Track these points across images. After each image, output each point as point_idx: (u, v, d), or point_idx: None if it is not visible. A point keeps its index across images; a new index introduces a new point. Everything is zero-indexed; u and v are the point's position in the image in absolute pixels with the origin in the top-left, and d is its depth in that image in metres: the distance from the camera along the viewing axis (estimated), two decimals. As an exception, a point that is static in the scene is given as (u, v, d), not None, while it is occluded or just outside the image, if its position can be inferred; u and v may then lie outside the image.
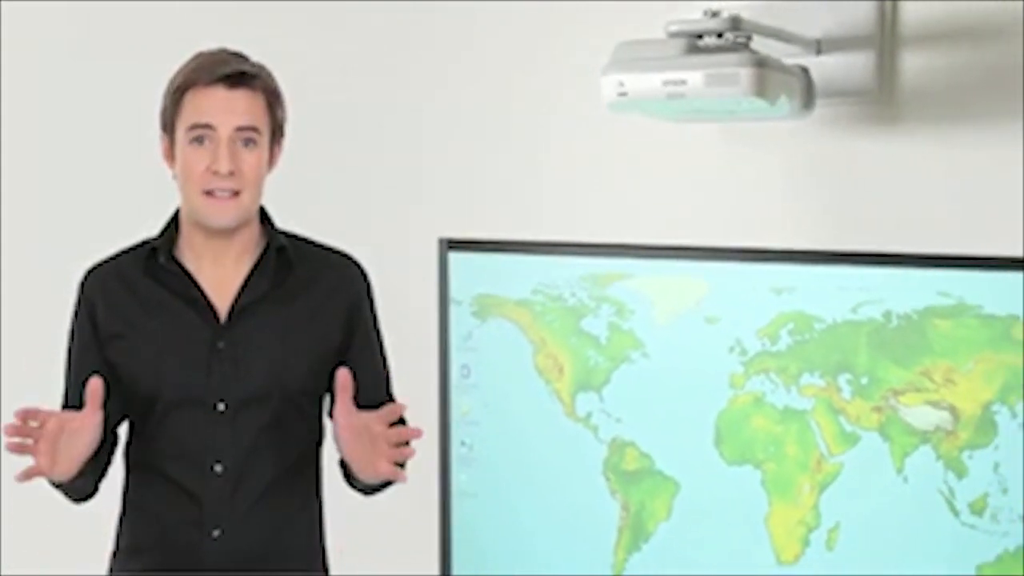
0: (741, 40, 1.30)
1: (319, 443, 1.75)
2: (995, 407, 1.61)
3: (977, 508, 1.63)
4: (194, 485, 1.66)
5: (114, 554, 1.76)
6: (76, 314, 1.72)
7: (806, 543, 1.76)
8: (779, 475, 1.77)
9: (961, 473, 1.64)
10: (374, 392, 1.73)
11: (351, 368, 1.66)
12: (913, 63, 1.65)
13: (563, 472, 1.98)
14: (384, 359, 1.78)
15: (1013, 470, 1.60)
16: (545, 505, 1.99)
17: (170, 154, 1.67)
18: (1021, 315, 1.58)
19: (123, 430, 1.74)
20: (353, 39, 2.20)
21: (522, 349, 2.01)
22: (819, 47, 1.62)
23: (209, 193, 1.61)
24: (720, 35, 1.29)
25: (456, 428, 2.08)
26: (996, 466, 1.61)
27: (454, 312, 2.07)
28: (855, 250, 1.70)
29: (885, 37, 1.65)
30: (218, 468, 1.65)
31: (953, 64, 1.63)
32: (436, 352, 2.06)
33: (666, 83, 1.26)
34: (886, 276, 1.67)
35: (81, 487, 1.67)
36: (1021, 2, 1.57)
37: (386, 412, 1.58)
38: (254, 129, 1.62)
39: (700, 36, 1.30)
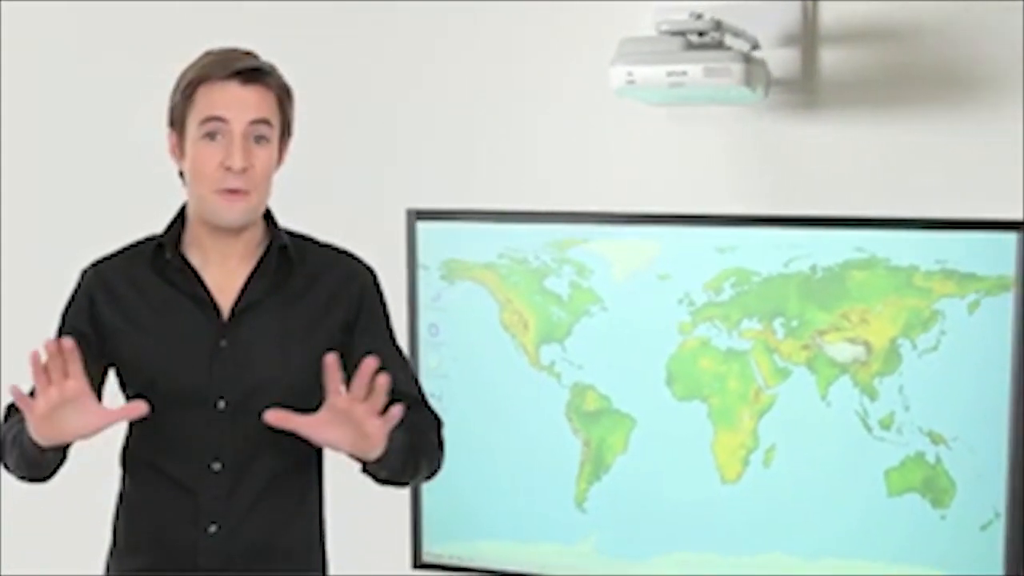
0: (718, 38, 1.64)
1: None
2: (900, 341, 2.03)
3: (885, 424, 2.05)
4: (192, 482, 1.67)
5: (111, 551, 1.76)
6: (70, 304, 1.72)
7: (746, 463, 2.14)
8: (723, 407, 2.14)
9: (873, 396, 2.05)
10: (403, 386, 1.70)
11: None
12: (830, 58, 2.04)
13: (528, 415, 2.28)
14: (401, 353, 1.77)
15: (914, 391, 2.03)
16: (512, 446, 2.29)
17: (178, 150, 1.66)
18: (920, 265, 2.00)
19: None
20: (335, 23, 2.36)
21: (489, 308, 2.30)
22: (755, 44, 1.98)
23: (220, 192, 1.61)
24: (701, 33, 1.63)
25: (426, 381, 2.33)
26: (900, 389, 2.03)
27: (422, 276, 2.33)
28: (785, 214, 2.08)
29: (807, 37, 2.03)
30: (216, 466, 1.66)
31: (862, 59, 2.03)
32: (405, 313, 2.32)
33: (670, 74, 1.59)
34: (811, 235, 2.07)
35: (49, 462, 1.61)
36: (918, 3, 1.98)
37: (332, 384, 1.54)
38: (267, 122, 1.61)
39: (684, 33, 1.63)
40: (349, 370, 1.68)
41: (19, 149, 2.58)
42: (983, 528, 2.01)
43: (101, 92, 2.47)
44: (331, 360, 1.53)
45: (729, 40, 1.73)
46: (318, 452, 1.75)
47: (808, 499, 2.10)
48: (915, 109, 2.00)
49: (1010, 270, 1.95)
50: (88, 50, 2.49)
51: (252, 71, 1.61)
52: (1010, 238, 1.95)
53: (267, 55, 1.66)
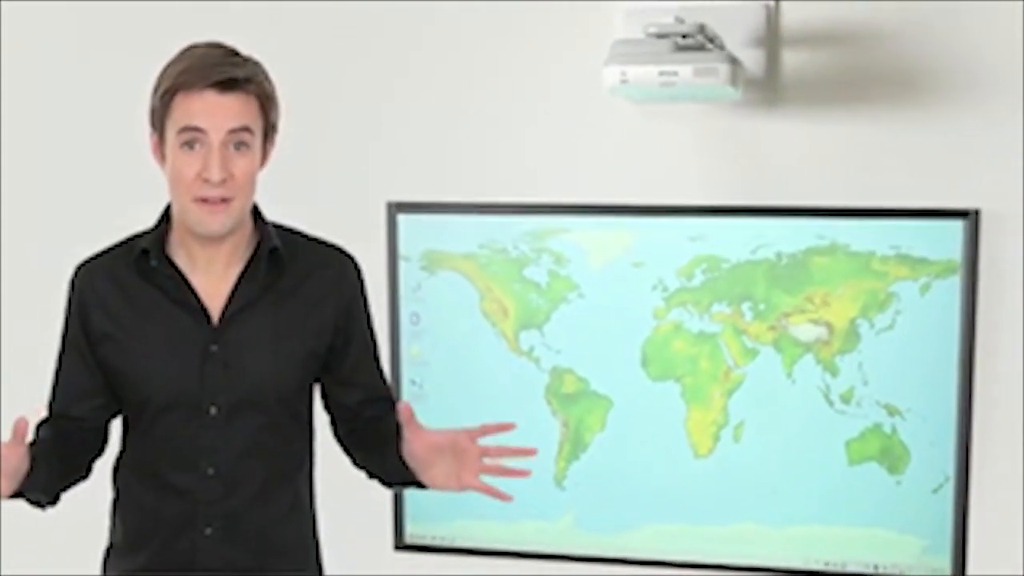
0: (701, 40, 1.82)
1: (311, 441, 1.79)
2: (859, 321, 2.23)
3: (846, 398, 2.25)
4: (186, 486, 1.68)
5: (108, 551, 1.79)
6: (68, 310, 1.73)
7: (717, 438, 2.32)
8: (695, 386, 2.32)
9: (834, 373, 2.25)
10: (374, 386, 1.79)
11: (354, 366, 1.75)
12: (792, 59, 2.23)
13: (509, 399, 2.41)
14: (376, 349, 1.82)
15: (872, 367, 2.23)
16: (492, 429, 2.43)
17: (159, 151, 1.65)
18: (877, 251, 2.20)
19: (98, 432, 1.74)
20: (317, 18, 2.45)
21: (469, 296, 2.43)
22: (722, 45, 2.15)
23: (200, 200, 1.60)
24: (684, 36, 1.80)
25: (407, 369, 2.47)
26: (860, 365, 2.24)
27: (403, 267, 2.45)
28: (752, 205, 2.27)
29: (771, 39, 2.21)
30: (210, 471, 1.68)
31: (822, 60, 2.22)
32: (386, 303, 2.43)
33: (662, 74, 1.76)
34: (776, 224, 2.25)
35: (33, 500, 1.67)
36: (873, 8, 2.18)
37: (479, 430, 1.64)
38: (246, 130, 1.60)
39: (667, 35, 1.80)
40: (333, 365, 1.75)
41: (19, 149, 2.60)
42: (935, 491, 2.22)
43: (101, 92, 2.51)
44: (406, 410, 1.63)
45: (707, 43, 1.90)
46: (310, 453, 1.79)
47: (775, 470, 2.28)
48: (871, 107, 2.20)
49: (957, 255, 2.17)
50: (88, 50, 2.52)
51: (230, 81, 1.58)
52: (956, 225, 2.17)
53: (250, 51, 1.67)
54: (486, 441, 1.66)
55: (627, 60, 1.79)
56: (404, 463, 1.68)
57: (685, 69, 1.76)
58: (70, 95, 2.56)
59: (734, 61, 1.81)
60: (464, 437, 1.64)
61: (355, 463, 1.82)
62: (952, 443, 2.20)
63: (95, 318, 1.69)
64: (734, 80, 1.80)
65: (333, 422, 1.83)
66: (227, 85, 1.58)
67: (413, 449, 1.65)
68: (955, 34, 2.15)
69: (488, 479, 1.67)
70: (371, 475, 1.80)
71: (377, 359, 1.83)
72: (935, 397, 2.20)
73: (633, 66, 1.78)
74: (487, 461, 1.64)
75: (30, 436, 1.63)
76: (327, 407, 1.82)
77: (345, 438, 1.82)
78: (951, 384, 2.19)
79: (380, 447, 1.72)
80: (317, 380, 1.79)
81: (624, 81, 1.78)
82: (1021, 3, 2.13)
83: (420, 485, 1.70)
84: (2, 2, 2.56)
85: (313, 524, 1.82)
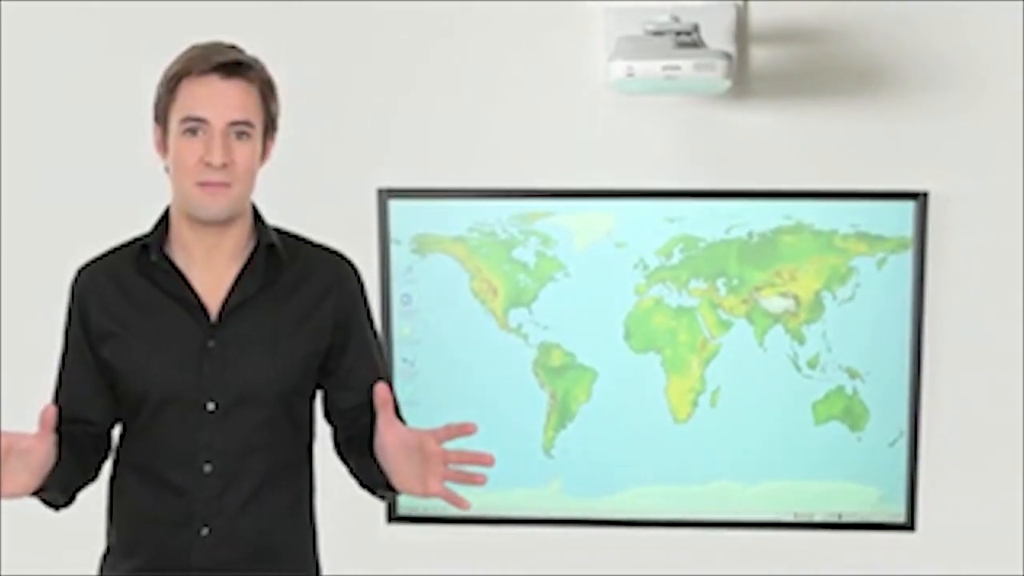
0: (696, 37, 2.07)
1: (310, 442, 1.82)
2: (823, 293, 2.52)
3: (812, 364, 2.54)
4: (183, 484, 1.71)
5: (104, 555, 1.82)
6: (69, 314, 1.77)
7: (695, 404, 2.58)
8: (674, 357, 2.57)
9: (801, 341, 2.53)
10: (372, 390, 1.74)
11: (351, 368, 1.77)
12: (759, 55, 2.50)
13: (498, 374, 2.61)
14: (382, 355, 1.84)
15: (835, 335, 2.52)
16: (483, 402, 2.61)
17: (162, 145, 1.70)
18: (839, 229, 2.50)
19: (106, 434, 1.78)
20: (309, 8, 2.57)
21: (459, 277, 2.62)
22: (699, 41, 2.41)
23: (201, 184, 1.66)
24: (678, 33, 2.05)
25: (398, 348, 2.65)
26: (824, 334, 2.52)
27: (395, 250, 2.63)
28: (725, 188, 2.53)
29: (741, 36, 2.48)
30: (207, 468, 1.70)
31: (787, 56, 2.50)
32: (378, 285, 2.61)
33: (665, 68, 2.00)
34: (747, 206, 2.52)
35: (50, 500, 1.70)
36: (833, 9, 2.47)
37: (443, 431, 1.62)
38: (247, 123, 1.66)
39: (661, 33, 2.04)
40: (330, 367, 1.78)
41: (19, 149, 2.64)
42: (891, 445, 2.53)
43: (101, 93, 2.57)
44: (383, 391, 1.63)
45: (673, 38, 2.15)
46: (309, 453, 1.82)
47: (749, 432, 2.55)
48: (832, 98, 2.49)
49: (908, 232, 2.47)
50: (88, 51, 2.58)
51: (233, 64, 1.66)
52: (908, 205, 2.47)
53: (239, 40, 1.75)
54: (448, 446, 1.65)
55: (632, 55, 2.03)
56: (378, 465, 1.69)
57: (687, 64, 2.01)
58: (70, 96, 2.60)
59: (728, 56, 2.07)
60: (430, 439, 1.62)
61: (351, 472, 1.82)
62: (905, 401, 2.51)
63: (96, 317, 1.73)
64: (729, 74, 2.06)
65: (335, 434, 1.84)
66: (230, 70, 1.66)
67: (384, 441, 1.65)
68: (908, 34, 2.46)
69: (449, 485, 1.66)
70: (362, 485, 1.81)
71: (379, 365, 1.83)
72: (891, 360, 2.50)
73: (638, 61, 2.02)
74: (451, 468, 1.64)
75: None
76: (327, 415, 1.84)
77: (343, 446, 1.83)
78: (904, 348, 2.49)
79: (366, 448, 1.73)
80: (319, 386, 1.82)
81: (631, 75, 2.02)
82: (967, 3, 2.45)
83: (393, 491, 1.71)
84: (2, 2, 2.59)
85: (312, 530, 1.85)
